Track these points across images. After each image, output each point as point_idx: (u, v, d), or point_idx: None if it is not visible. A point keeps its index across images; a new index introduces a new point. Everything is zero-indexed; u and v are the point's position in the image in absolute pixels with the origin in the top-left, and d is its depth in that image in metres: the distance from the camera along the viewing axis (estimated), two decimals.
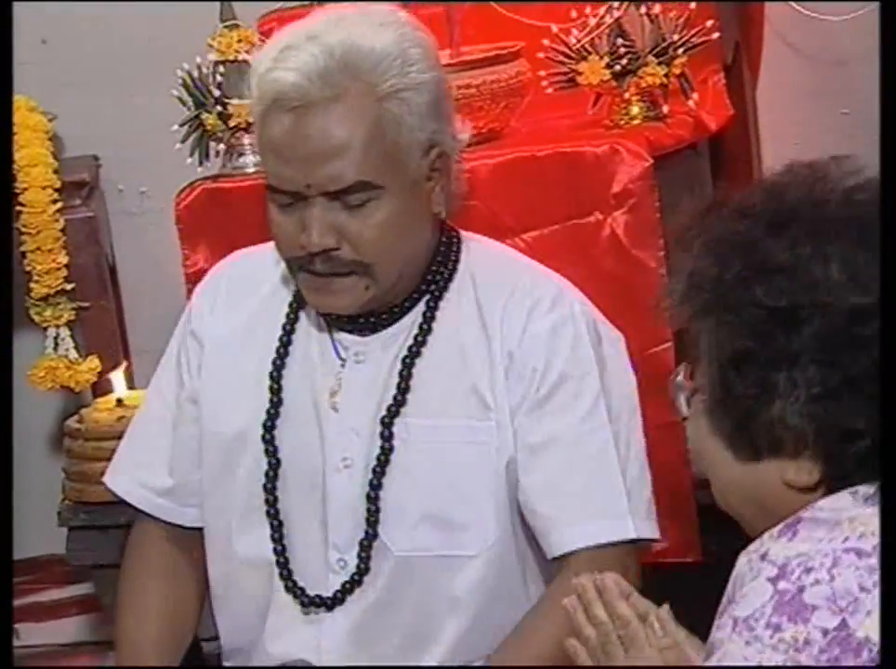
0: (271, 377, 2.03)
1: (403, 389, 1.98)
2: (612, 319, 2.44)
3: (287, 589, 2.01)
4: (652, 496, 2.05)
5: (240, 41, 2.63)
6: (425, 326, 2.00)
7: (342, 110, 1.87)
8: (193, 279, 2.57)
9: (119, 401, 2.73)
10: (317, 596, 2.00)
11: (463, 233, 2.06)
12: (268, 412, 2.02)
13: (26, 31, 3.32)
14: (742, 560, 1.45)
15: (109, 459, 2.20)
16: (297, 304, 2.05)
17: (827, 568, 1.38)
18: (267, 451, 2.02)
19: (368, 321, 2.00)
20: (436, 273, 2.01)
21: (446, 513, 1.98)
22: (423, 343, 1.99)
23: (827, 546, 1.40)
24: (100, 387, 3.01)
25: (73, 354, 3.11)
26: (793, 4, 3.00)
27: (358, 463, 1.99)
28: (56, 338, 3.11)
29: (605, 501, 1.98)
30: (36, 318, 3.10)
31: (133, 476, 2.12)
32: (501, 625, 1.98)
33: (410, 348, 1.99)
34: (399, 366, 1.99)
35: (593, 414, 1.98)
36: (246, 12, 2.79)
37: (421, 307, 2.01)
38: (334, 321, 2.02)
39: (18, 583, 3.06)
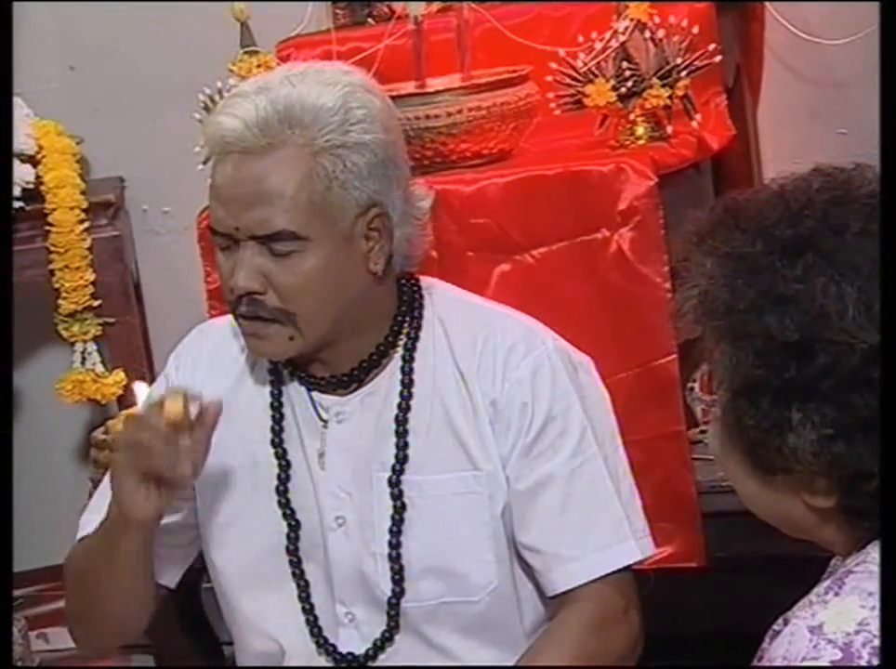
0: (273, 444, 2.00)
1: (402, 446, 1.96)
2: (618, 331, 2.44)
3: (319, 646, 1.99)
4: (642, 509, 2.02)
5: (259, 66, 2.62)
6: (406, 380, 1.97)
7: (276, 159, 1.86)
8: (214, 295, 2.56)
9: None
10: (349, 653, 1.98)
11: (422, 279, 2.04)
12: (279, 477, 1.99)
13: (55, 58, 3.33)
14: (788, 628, 1.33)
15: None
16: (276, 369, 2.02)
17: None
18: (285, 514, 1.99)
19: (344, 379, 1.97)
20: (403, 322, 1.98)
21: (447, 564, 1.96)
22: (410, 397, 1.96)
23: None
24: (126, 400, 3.00)
25: (100, 368, 3.11)
26: (792, 28, 2.99)
27: (350, 520, 1.97)
28: (83, 353, 3.11)
29: (606, 531, 1.95)
30: (64, 333, 3.10)
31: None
32: (499, 660, 1.97)
33: (400, 406, 1.96)
34: (388, 425, 1.96)
35: (582, 447, 1.96)
36: (266, 38, 2.79)
37: (397, 361, 1.98)
38: (311, 382, 1.99)
39: (46, 590, 3.05)
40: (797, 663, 1.29)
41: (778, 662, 1.31)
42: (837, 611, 1.31)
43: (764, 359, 1.35)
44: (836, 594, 1.33)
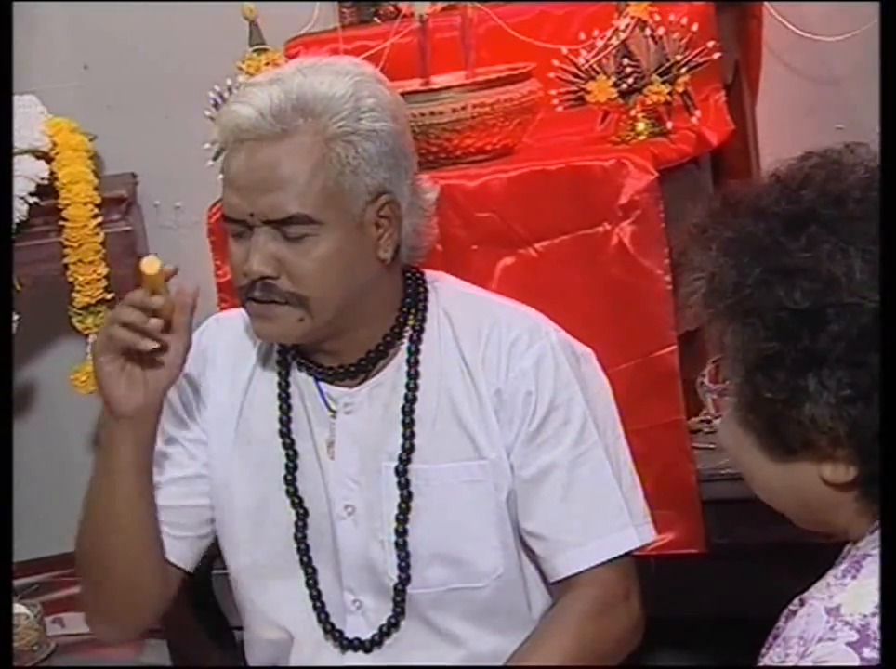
0: (281, 434, 2.00)
1: (409, 436, 1.96)
2: (619, 323, 2.44)
3: (326, 632, 1.99)
4: (644, 497, 2.02)
5: (267, 64, 2.63)
6: (412, 372, 1.97)
7: (290, 145, 1.87)
8: (225, 288, 2.56)
9: None
10: (356, 638, 1.98)
11: (427, 272, 2.04)
12: (286, 466, 1.99)
13: (69, 56, 3.33)
14: (805, 609, 1.32)
15: None
16: (285, 360, 2.02)
17: None
18: (293, 503, 1.99)
19: (352, 369, 1.98)
20: (408, 314, 1.98)
21: (454, 551, 1.96)
22: (416, 388, 1.97)
23: None
24: None
25: None
26: (790, 25, 2.98)
27: (359, 509, 1.97)
28: None
29: (606, 518, 1.96)
30: (78, 326, 3.10)
31: None
32: (506, 647, 1.97)
33: (406, 397, 1.97)
34: (395, 415, 1.97)
35: (583, 436, 1.97)
36: (275, 37, 2.79)
37: (403, 352, 1.98)
38: (319, 373, 2.00)
39: (61, 576, 3.06)
40: (813, 644, 1.28)
41: (794, 642, 1.31)
42: (855, 594, 1.30)
43: (776, 331, 1.34)
44: (854, 576, 1.32)
